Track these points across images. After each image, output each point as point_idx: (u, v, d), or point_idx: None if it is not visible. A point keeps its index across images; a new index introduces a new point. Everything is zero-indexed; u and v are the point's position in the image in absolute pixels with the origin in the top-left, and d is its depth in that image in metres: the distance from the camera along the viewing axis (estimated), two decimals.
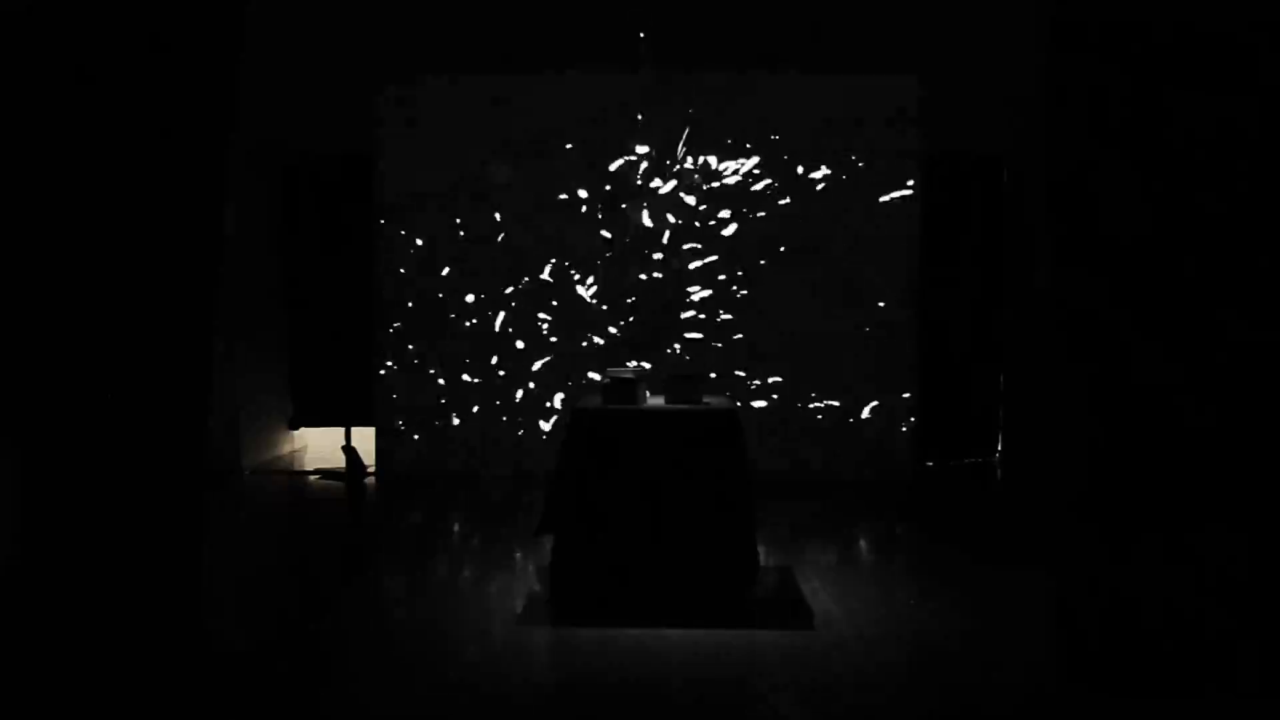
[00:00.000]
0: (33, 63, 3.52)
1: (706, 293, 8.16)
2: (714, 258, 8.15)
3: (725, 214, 8.15)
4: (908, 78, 8.09)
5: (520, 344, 8.23)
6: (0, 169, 3.53)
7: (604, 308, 8.16)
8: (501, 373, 8.26)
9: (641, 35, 7.23)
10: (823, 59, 8.57)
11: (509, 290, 8.21)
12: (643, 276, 8.15)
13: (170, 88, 3.53)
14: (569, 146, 8.14)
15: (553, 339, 8.23)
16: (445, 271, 8.21)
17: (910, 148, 8.11)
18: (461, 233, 8.20)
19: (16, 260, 3.54)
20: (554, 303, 8.20)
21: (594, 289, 8.17)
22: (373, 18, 8.75)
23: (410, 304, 8.23)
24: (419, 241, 8.21)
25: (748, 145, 8.13)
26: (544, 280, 8.20)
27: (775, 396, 8.18)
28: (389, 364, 8.28)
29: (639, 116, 8.00)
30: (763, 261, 8.13)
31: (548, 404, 8.23)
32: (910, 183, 8.12)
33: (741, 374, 8.15)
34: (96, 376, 3.55)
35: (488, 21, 8.76)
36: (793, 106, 8.11)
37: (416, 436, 8.28)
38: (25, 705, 3.59)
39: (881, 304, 8.14)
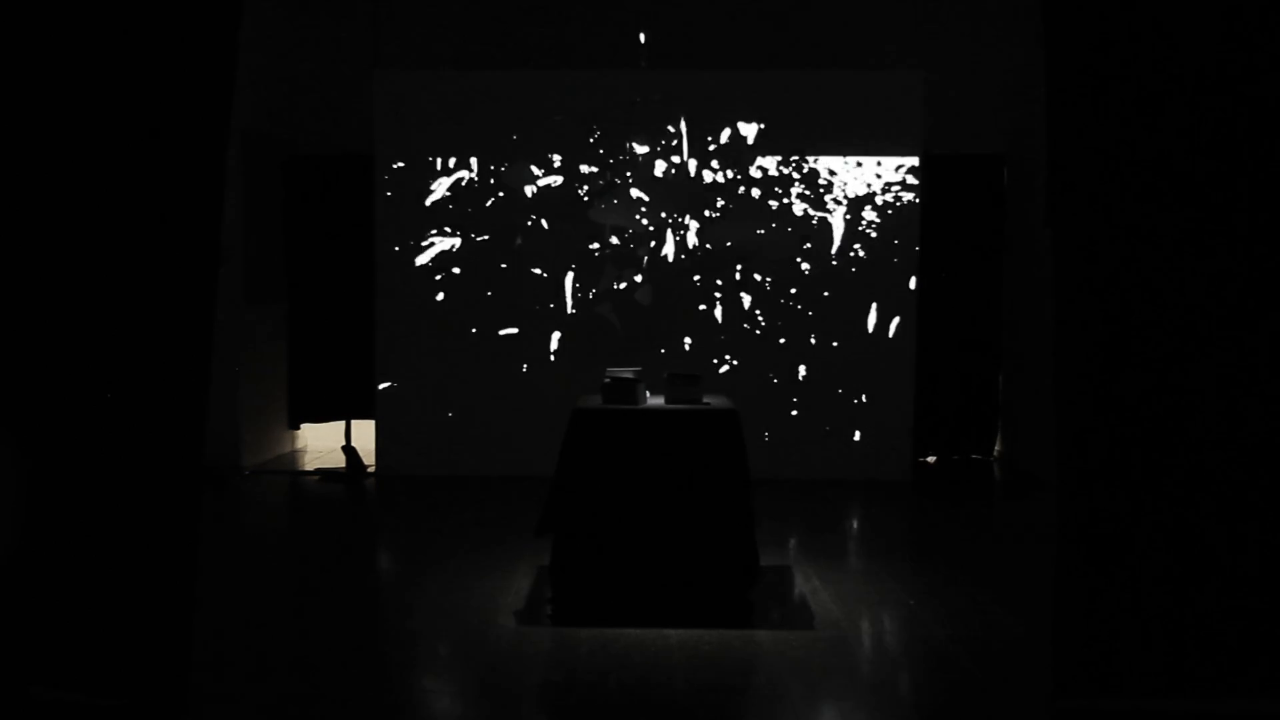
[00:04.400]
0: (31, 61, 3.52)
1: (705, 291, 8.16)
2: (724, 245, 8.13)
3: (725, 211, 8.13)
4: (914, 74, 8.07)
5: (522, 342, 8.23)
6: None
7: (607, 311, 8.16)
8: (502, 372, 8.25)
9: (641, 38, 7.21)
10: (825, 54, 8.57)
11: (511, 289, 8.20)
12: (638, 279, 8.14)
13: (168, 84, 3.52)
14: (571, 142, 8.13)
15: (556, 337, 8.22)
16: (446, 268, 8.20)
17: (913, 145, 8.08)
18: (463, 229, 8.20)
19: (16, 260, 3.54)
20: (556, 301, 8.20)
21: (597, 287, 8.17)
22: (374, 12, 8.75)
23: (411, 301, 8.21)
24: (420, 237, 8.20)
25: (747, 142, 8.12)
26: (547, 278, 8.19)
27: (774, 395, 8.17)
28: (389, 362, 8.26)
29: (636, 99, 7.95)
30: (761, 254, 8.12)
31: (550, 403, 8.22)
32: (911, 180, 8.10)
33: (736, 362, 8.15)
34: (96, 376, 3.55)
35: (491, 16, 8.76)
36: (794, 102, 8.09)
37: (417, 436, 8.27)
38: (23, 703, 3.60)
39: (882, 302, 8.13)
